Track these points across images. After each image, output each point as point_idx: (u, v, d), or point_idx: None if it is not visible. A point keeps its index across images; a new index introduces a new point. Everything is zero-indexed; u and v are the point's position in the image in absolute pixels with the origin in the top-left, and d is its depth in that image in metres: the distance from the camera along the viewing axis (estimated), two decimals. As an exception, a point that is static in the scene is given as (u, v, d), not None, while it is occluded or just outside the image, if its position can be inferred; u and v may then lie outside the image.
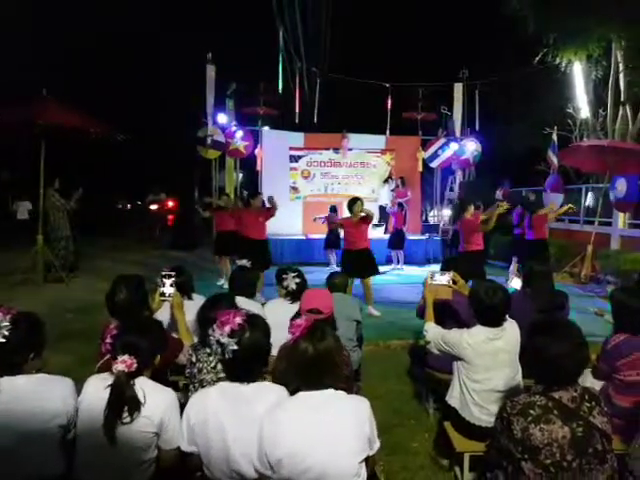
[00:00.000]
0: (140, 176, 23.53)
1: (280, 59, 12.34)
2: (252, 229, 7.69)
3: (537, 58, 12.48)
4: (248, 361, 2.02)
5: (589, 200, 11.79)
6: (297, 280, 3.68)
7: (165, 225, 16.13)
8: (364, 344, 4.26)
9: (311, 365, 1.90)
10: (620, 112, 11.84)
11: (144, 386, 2.08)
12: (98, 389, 2.04)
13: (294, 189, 13.19)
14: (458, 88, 13.29)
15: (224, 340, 1.97)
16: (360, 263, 6.86)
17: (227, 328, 1.98)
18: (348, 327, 3.75)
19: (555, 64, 12.19)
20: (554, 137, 11.65)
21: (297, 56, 13.84)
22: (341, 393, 1.91)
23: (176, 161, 21.65)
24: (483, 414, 2.80)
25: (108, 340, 2.21)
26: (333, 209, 11.10)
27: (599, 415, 1.97)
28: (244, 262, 4.09)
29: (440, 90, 13.66)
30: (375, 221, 12.86)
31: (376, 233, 12.44)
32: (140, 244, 14.18)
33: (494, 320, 2.84)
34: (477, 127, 13.50)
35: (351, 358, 3.63)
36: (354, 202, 6.95)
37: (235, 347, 1.96)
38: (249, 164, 13.62)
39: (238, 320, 2.01)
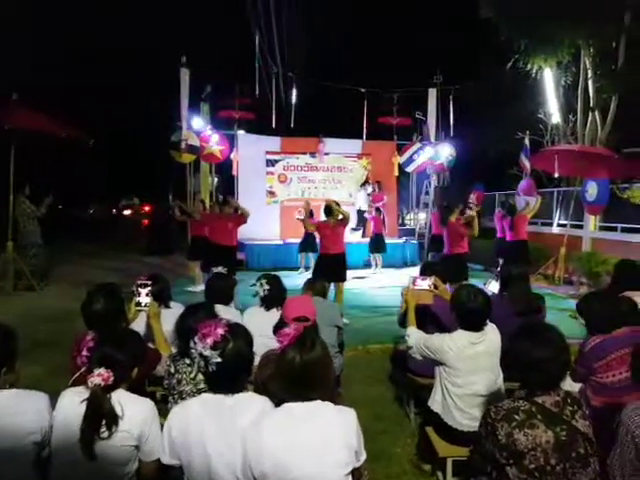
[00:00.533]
0: (113, 181, 23.13)
1: (256, 64, 12.30)
2: (221, 235, 7.67)
3: (509, 64, 12.69)
4: (233, 372, 1.98)
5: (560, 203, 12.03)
6: (267, 287, 3.64)
7: (140, 230, 15.91)
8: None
9: (298, 375, 1.86)
10: (589, 118, 12.11)
11: (121, 399, 2.02)
12: (73, 404, 1.97)
13: (271, 193, 13.14)
14: (432, 93, 13.47)
15: (207, 353, 1.91)
16: (336, 267, 6.83)
17: (209, 340, 1.92)
18: (330, 333, 3.73)
19: (527, 70, 12.43)
20: (526, 142, 11.87)
21: (273, 61, 13.82)
22: (328, 404, 1.88)
23: (150, 166, 21.35)
24: (465, 418, 2.81)
25: (84, 353, 2.14)
26: (310, 213, 11.11)
27: (581, 419, 1.99)
28: (220, 269, 4.03)
29: (415, 95, 13.81)
30: (352, 225, 13.01)
31: (354, 237, 12.51)
32: (114, 250, 13.92)
33: (476, 324, 2.85)
34: (451, 132, 13.71)
35: (331, 358, 3.62)
36: (329, 206, 6.96)
37: (219, 359, 1.91)
38: (225, 168, 13.50)
39: (220, 331, 1.96)
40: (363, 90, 13.31)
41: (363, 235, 12.67)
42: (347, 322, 6.75)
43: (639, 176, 7.65)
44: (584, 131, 12.28)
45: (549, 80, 12.78)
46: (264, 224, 11.88)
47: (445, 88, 13.49)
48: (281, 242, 12.20)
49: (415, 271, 9.51)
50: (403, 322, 3.49)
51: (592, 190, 8.98)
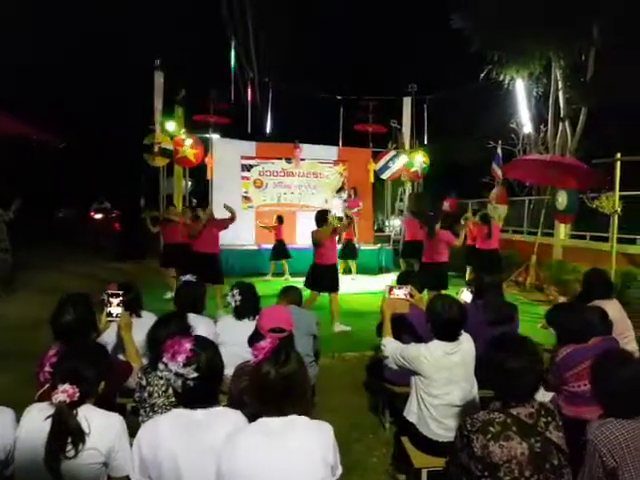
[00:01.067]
0: (84, 184, 22.65)
1: (232, 69, 12.24)
2: (205, 242, 7.34)
3: (483, 74, 12.91)
4: (208, 384, 1.94)
5: (531, 211, 12.28)
6: (239, 297, 3.60)
7: (111, 235, 15.57)
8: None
9: (274, 389, 1.83)
10: (560, 128, 12.40)
11: (88, 414, 1.95)
12: (38, 420, 1.89)
13: (246, 198, 13.05)
14: (407, 102, 13.63)
15: (182, 371, 1.87)
16: (331, 277, 6.73)
17: (181, 358, 1.88)
18: (305, 342, 3.72)
19: (499, 81, 12.67)
20: (498, 151, 12.11)
21: (249, 66, 13.78)
22: (304, 418, 1.85)
23: (122, 169, 21.01)
24: (440, 429, 2.81)
25: (47, 369, 2.07)
26: (280, 219, 11.08)
27: (555, 430, 2.01)
28: (188, 277, 3.96)
29: (390, 104, 13.95)
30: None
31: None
32: (84, 254, 13.60)
33: (451, 334, 2.87)
34: (425, 140, 13.88)
35: (308, 372, 3.59)
36: (325, 215, 6.80)
37: (196, 374, 1.87)
38: (199, 172, 13.38)
39: (188, 346, 1.92)
40: (339, 97, 13.38)
41: (339, 241, 12.67)
42: (348, 329, 6.73)
43: (607, 186, 7.83)
44: (555, 141, 12.56)
45: (521, 91, 13.06)
46: (239, 229, 11.77)
47: (419, 97, 13.68)
48: (256, 248, 12.12)
49: (390, 277, 9.55)
50: (381, 332, 3.49)
51: (562, 199, 9.16)
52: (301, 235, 12.98)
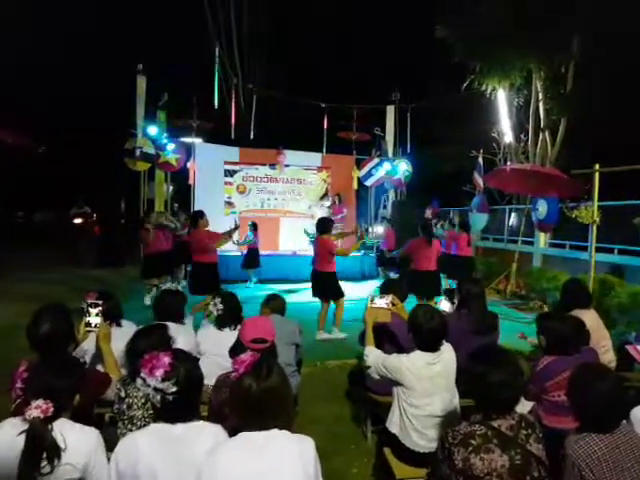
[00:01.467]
0: (63, 187, 22.30)
1: (216, 74, 12.20)
2: (203, 252, 6.96)
3: (465, 84, 13.06)
4: (188, 398, 1.92)
5: (512, 220, 12.43)
6: (220, 306, 3.58)
7: (91, 240, 15.30)
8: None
9: (255, 404, 1.81)
10: (540, 137, 12.59)
11: (64, 429, 1.90)
12: (11, 437, 1.84)
13: (229, 204, 13.00)
14: (390, 110, 13.76)
15: (161, 385, 1.84)
16: (337, 285, 6.80)
17: (159, 372, 1.85)
18: (288, 351, 3.70)
19: (481, 90, 12.82)
20: (480, 160, 12.25)
21: (233, 72, 13.74)
22: (285, 432, 1.83)
23: (102, 172, 20.73)
24: (422, 439, 2.81)
25: (18, 385, 2.02)
26: (254, 226, 11.01)
27: (535, 442, 2.02)
28: (168, 285, 3.91)
29: (374, 111, 14.04)
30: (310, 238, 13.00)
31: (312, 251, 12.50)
32: (61, 260, 13.32)
33: (432, 345, 2.87)
34: (408, 148, 14.00)
35: (290, 384, 3.57)
36: (330, 224, 6.92)
37: (175, 388, 1.84)
38: (181, 176, 13.29)
39: (167, 360, 1.89)
40: (323, 105, 13.43)
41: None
42: (344, 336, 6.61)
43: (586, 196, 7.96)
44: (535, 150, 12.75)
45: (502, 101, 13.23)
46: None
47: (403, 106, 13.80)
48: (239, 254, 12.05)
49: (373, 284, 9.55)
50: (363, 341, 3.48)
51: (542, 208, 9.28)
52: (284, 241, 12.98)
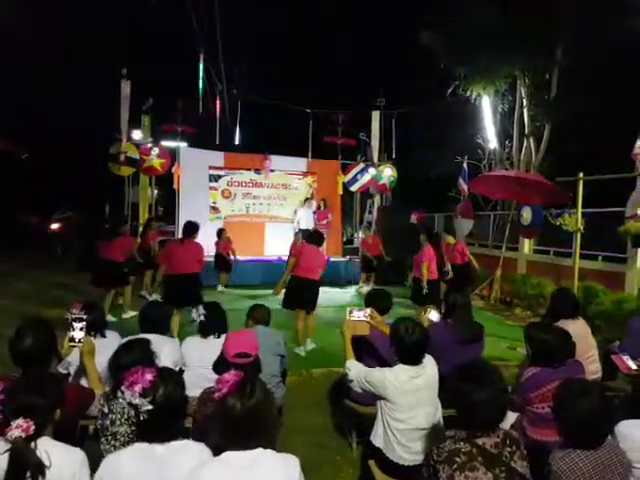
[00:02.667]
0: (47, 192, 22.01)
1: (200, 79, 12.14)
2: (184, 264, 6.61)
3: (450, 90, 13.16)
4: (166, 418, 1.88)
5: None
6: (202, 316, 3.55)
7: (71, 244, 15.09)
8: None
9: (239, 423, 1.80)
10: (525, 144, 12.72)
11: (48, 448, 1.86)
12: None
13: (214, 209, 12.92)
14: (375, 116, 13.82)
15: (137, 401, 1.82)
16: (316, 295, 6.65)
17: (137, 387, 1.83)
18: (273, 362, 3.67)
19: (466, 96, 12.92)
20: (465, 165, 12.33)
21: (217, 77, 13.69)
22: (270, 452, 1.82)
23: (87, 176, 20.51)
24: (406, 453, 2.79)
25: None
26: (219, 233, 10.88)
27: (519, 459, 2.02)
28: (154, 297, 3.88)
29: (359, 117, 14.08)
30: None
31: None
32: (40, 267, 13.01)
33: (415, 358, 2.86)
34: (394, 154, 14.05)
35: (275, 395, 3.54)
36: (322, 238, 6.97)
37: (150, 407, 1.81)
38: (165, 181, 13.20)
39: (149, 377, 1.87)
40: (308, 111, 13.44)
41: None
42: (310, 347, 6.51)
43: (570, 203, 8.06)
44: (519, 156, 12.86)
45: (487, 107, 13.34)
46: (206, 240, 11.58)
47: (388, 112, 13.86)
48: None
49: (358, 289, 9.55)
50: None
51: (527, 215, 9.38)
52: (269, 246, 12.92)
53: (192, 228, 6.80)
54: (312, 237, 6.79)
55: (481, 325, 4.03)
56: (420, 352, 2.87)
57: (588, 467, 1.99)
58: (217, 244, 10.78)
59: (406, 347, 2.84)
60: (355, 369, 3.07)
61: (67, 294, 8.80)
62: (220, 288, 10.71)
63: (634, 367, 3.52)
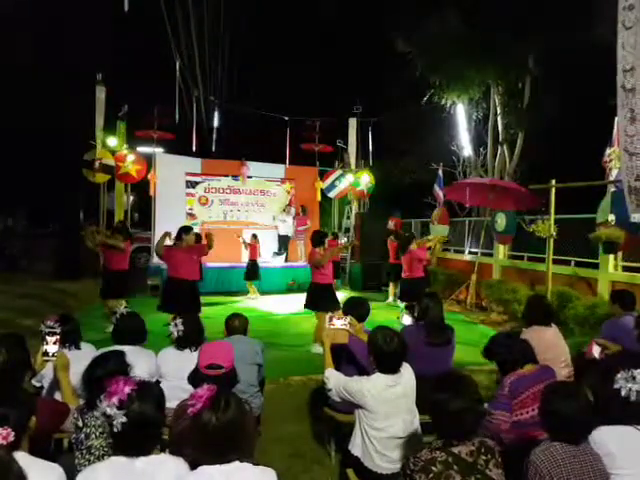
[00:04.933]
0: (19, 197, 21.56)
1: (176, 86, 12.07)
2: (182, 268, 6.90)
3: (425, 98, 13.32)
4: (138, 433, 1.86)
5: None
6: (181, 327, 3.51)
7: (45, 252, 14.75)
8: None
9: (215, 438, 1.79)
10: (499, 151, 12.95)
11: (26, 464, 1.81)
12: None
13: (191, 215, 12.83)
14: (352, 123, 13.93)
15: (111, 412, 1.80)
16: (333, 296, 6.80)
17: (115, 399, 1.81)
18: (250, 372, 3.65)
19: (441, 104, 13.11)
20: (440, 172, 12.49)
21: (194, 84, 13.63)
22: (247, 465, 1.81)
23: (60, 182, 20.14)
24: (384, 461, 2.80)
25: None
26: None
27: (494, 467, 2.05)
28: (122, 309, 3.79)
29: (336, 124, 14.17)
30: (275, 249, 12.98)
31: (277, 262, 12.50)
32: (10, 274, 12.69)
33: (393, 367, 2.87)
34: (371, 160, 14.17)
35: (253, 405, 3.52)
36: (324, 236, 6.98)
37: (124, 419, 1.79)
38: (141, 187, 13.04)
39: (127, 390, 1.85)
40: (286, 118, 13.48)
41: (286, 260, 12.70)
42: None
43: (543, 208, 8.24)
44: (494, 163, 13.10)
45: (461, 114, 13.55)
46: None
47: (364, 120, 13.98)
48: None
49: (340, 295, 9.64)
50: None
51: (501, 221, 9.55)
52: (247, 253, 12.85)
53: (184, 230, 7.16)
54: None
55: (452, 328, 4.09)
56: (398, 361, 2.88)
57: (563, 456, 2.06)
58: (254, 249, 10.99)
59: (384, 356, 2.85)
60: (334, 378, 3.06)
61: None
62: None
63: (596, 355, 3.87)
